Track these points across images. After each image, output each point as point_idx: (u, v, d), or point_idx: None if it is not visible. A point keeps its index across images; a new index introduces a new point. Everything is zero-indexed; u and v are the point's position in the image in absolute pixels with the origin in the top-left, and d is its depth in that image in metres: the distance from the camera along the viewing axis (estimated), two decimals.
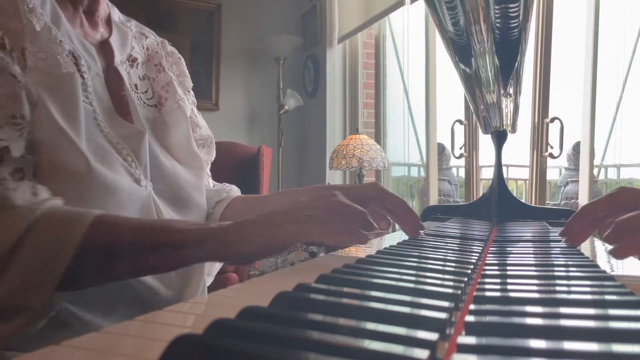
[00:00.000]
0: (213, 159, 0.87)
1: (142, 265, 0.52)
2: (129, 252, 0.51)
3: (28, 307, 0.47)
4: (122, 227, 0.52)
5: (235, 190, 0.86)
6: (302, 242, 0.51)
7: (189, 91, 0.84)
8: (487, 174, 2.91)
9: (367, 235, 0.50)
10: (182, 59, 0.85)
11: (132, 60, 0.74)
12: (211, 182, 0.86)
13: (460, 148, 2.31)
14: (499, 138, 0.96)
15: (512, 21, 0.71)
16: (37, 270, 0.47)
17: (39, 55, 0.58)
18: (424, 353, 0.20)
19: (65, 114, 0.57)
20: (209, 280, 0.78)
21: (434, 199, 2.73)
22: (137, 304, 0.61)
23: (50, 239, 0.48)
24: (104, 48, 0.70)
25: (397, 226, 0.69)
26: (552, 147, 1.97)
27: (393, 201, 0.64)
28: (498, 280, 0.37)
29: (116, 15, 0.76)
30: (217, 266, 0.79)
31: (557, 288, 0.34)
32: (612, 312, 0.27)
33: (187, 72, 0.85)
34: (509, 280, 0.37)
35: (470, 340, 0.22)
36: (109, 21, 0.74)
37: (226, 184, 0.87)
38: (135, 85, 0.73)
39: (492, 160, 0.97)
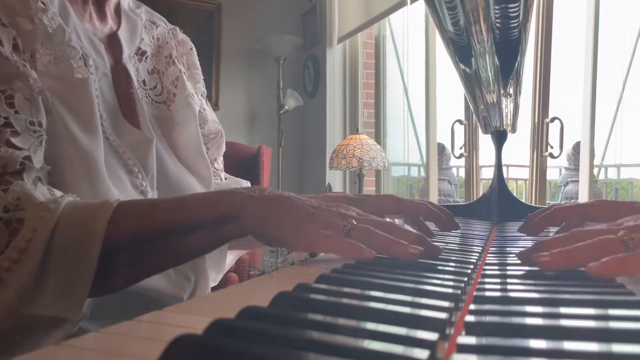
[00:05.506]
0: (223, 152, 0.83)
1: (173, 249, 0.48)
2: (155, 238, 0.46)
3: (65, 319, 0.42)
4: (143, 212, 0.47)
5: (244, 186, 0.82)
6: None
7: (199, 82, 0.79)
8: (487, 174, 2.91)
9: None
10: (194, 50, 0.80)
11: (141, 54, 0.70)
12: (223, 175, 0.83)
13: (460, 148, 2.31)
14: (499, 138, 0.96)
15: (512, 21, 0.71)
16: (70, 268, 0.43)
17: (50, 59, 0.54)
18: (423, 353, 0.20)
19: (80, 121, 0.54)
20: (217, 279, 0.75)
21: (434, 199, 2.72)
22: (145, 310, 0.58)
23: (75, 236, 0.44)
24: (112, 42, 0.67)
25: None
26: (552, 147, 1.97)
27: (411, 214, 0.61)
28: (498, 280, 0.37)
29: (126, 2, 0.72)
30: (227, 262, 0.75)
31: (557, 288, 0.34)
32: (613, 312, 0.27)
33: (197, 63, 0.79)
34: (509, 280, 0.37)
35: (470, 340, 0.22)
36: (118, 10, 0.70)
37: (235, 179, 0.84)
38: (144, 82, 0.69)
39: (492, 160, 0.97)
